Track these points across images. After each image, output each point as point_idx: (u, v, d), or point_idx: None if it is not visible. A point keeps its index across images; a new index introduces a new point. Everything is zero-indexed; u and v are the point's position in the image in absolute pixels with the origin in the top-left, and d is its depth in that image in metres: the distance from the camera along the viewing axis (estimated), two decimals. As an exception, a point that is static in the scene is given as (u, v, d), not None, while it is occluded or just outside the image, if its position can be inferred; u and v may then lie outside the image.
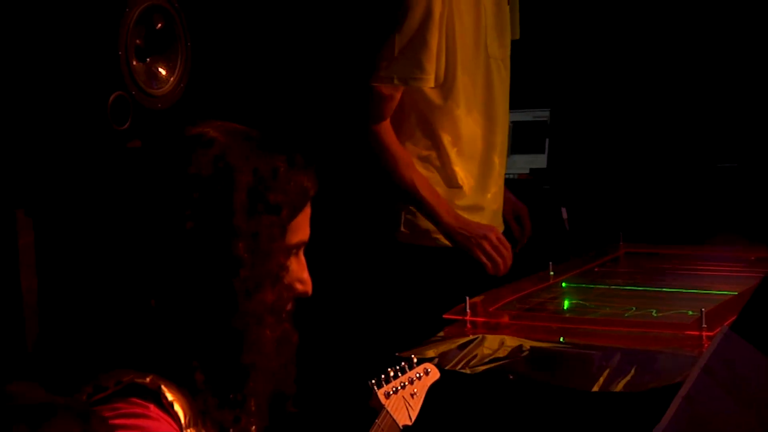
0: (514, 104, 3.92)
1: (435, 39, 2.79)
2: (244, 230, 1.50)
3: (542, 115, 4.18)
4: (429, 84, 2.82)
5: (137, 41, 3.09)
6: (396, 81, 2.80)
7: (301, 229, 1.60)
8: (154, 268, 1.50)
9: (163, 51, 3.18)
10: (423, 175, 2.85)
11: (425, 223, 2.86)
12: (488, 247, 2.77)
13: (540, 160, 4.15)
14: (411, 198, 2.83)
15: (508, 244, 2.80)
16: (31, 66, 3.00)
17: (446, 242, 2.85)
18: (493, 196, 3.01)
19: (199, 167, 1.50)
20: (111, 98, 3.00)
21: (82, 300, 2.96)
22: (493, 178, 3.01)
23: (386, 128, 2.84)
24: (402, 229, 2.89)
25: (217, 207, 1.49)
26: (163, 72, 3.18)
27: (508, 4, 3.01)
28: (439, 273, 2.81)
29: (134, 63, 3.07)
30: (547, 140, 4.16)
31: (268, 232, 1.53)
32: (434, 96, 2.86)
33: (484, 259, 2.78)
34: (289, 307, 1.62)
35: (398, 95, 2.84)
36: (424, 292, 2.73)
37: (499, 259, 2.78)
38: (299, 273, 1.62)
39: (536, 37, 4.13)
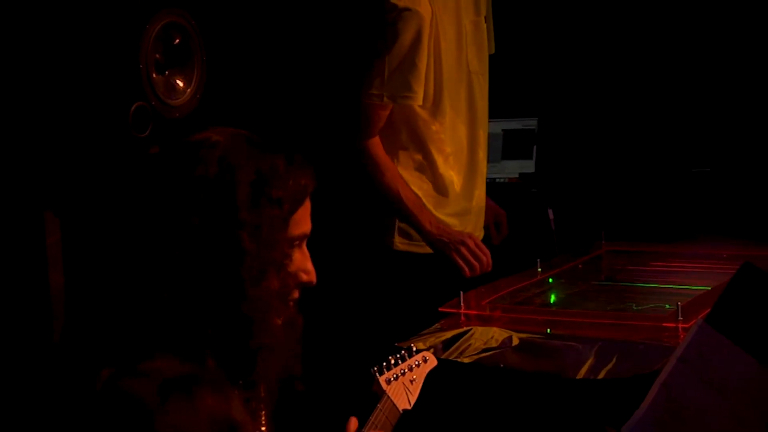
0: (505, 113, 3.94)
1: (423, 60, 2.78)
2: (248, 223, 1.51)
3: (530, 123, 4.18)
4: (417, 102, 2.81)
5: (156, 56, 3.09)
6: (385, 99, 2.79)
7: (302, 223, 1.61)
8: (167, 261, 1.50)
9: (180, 64, 3.18)
10: (408, 187, 2.85)
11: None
12: (465, 252, 2.79)
13: (528, 165, 4.16)
14: (396, 208, 2.84)
15: (486, 249, 2.81)
16: (58, 79, 3.00)
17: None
18: (478, 200, 3.02)
19: (206, 167, 1.52)
20: (132, 108, 3.00)
21: (104, 294, 2.97)
22: (477, 184, 3.02)
23: (375, 142, 2.84)
24: (397, 236, 2.90)
25: (222, 203, 1.51)
26: (180, 84, 3.19)
27: (485, 21, 3.00)
28: (434, 275, 2.81)
29: (154, 76, 3.07)
30: (534, 147, 4.16)
31: (271, 224, 1.53)
32: (423, 112, 2.85)
33: (460, 262, 2.80)
34: (295, 294, 1.62)
35: (387, 112, 2.83)
36: (421, 292, 2.73)
37: (475, 263, 2.79)
38: (303, 264, 1.63)
39: (525, 52, 4.14)
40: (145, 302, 1.52)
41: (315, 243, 1.67)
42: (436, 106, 2.85)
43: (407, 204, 2.82)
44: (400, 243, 2.90)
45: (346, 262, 3.01)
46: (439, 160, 2.89)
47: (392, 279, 2.87)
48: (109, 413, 1.21)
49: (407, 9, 2.73)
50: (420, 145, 2.88)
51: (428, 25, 2.77)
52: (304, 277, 1.62)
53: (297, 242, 1.61)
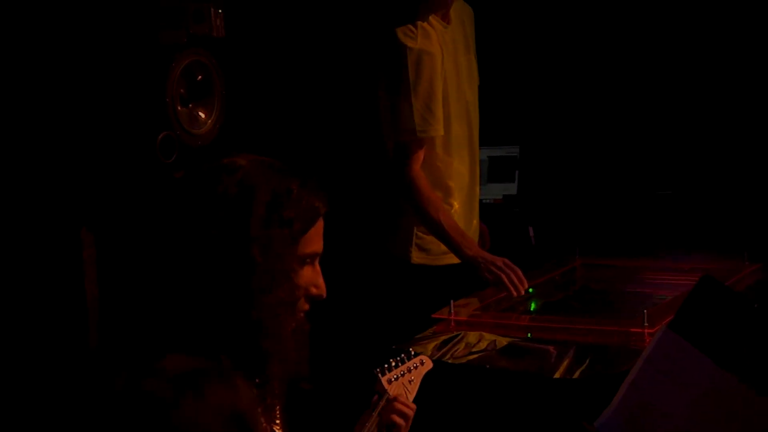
0: (490, 141, 3.95)
1: (440, 95, 2.76)
2: (260, 239, 1.50)
3: (513, 151, 4.20)
4: (440, 132, 2.78)
5: (181, 90, 3.11)
6: (418, 134, 2.74)
7: (313, 242, 1.59)
8: (187, 269, 1.50)
9: (202, 98, 3.20)
10: (449, 215, 2.79)
11: (432, 246, 2.85)
12: (494, 269, 2.68)
13: (511, 188, 4.16)
14: (439, 235, 2.78)
15: (515, 268, 2.70)
16: (94, 111, 3.02)
17: (448, 262, 2.83)
18: (474, 228, 3.00)
19: (226, 187, 1.51)
20: (159, 137, 3.02)
21: (136, 303, 2.97)
22: (475, 203, 3.01)
23: (419, 175, 2.78)
24: (414, 250, 2.86)
25: (239, 219, 1.50)
26: (202, 115, 3.20)
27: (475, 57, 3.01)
28: (447, 285, 2.78)
29: (179, 108, 3.09)
30: (516, 172, 4.17)
31: (281, 242, 1.52)
32: (436, 143, 2.82)
33: (489, 276, 2.70)
34: (304, 306, 1.61)
35: (423, 144, 2.79)
36: (434, 301, 2.67)
37: (501, 274, 2.67)
38: (314, 279, 1.60)
39: (509, 87, 4.16)
40: (169, 308, 1.52)
41: (337, 256, 1.65)
42: (445, 137, 2.82)
43: (449, 232, 2.75)
44: (416, 257, 2.88)
45: (363, 273, 2.99)
46: (447, 182, 2.87)
47: (408, 290, 2.83)
48: (129, 412, 1.20)
49: (425, 51, 2.72)
50: (432, 171, 2.85)
51: (440, 63, 2.77)
52: (314, 291, 1.60)
53: (308, 259, 1.59)
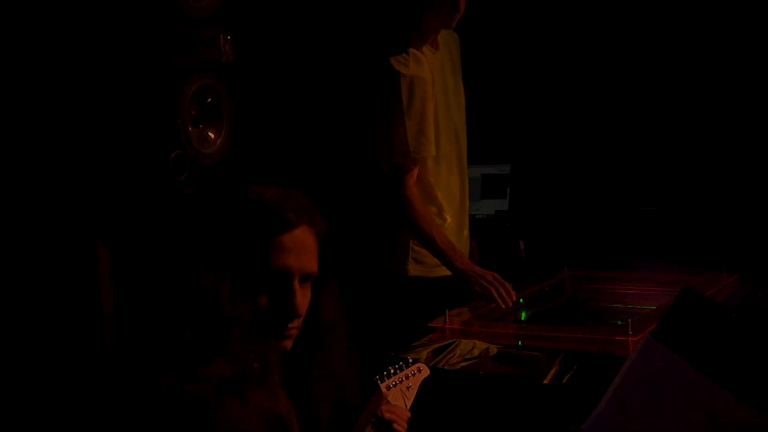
0: (483, 160, 3.97)
1: (432, 117, 2.77)
2: (207, 257, 1.48)
3: (504, 169, 4.21)
4: (433, 153, 2.79)
5: (192, 112, 3.12)
6: (412, 155, 2.76)
7: (285, 256, 1.52)
8: (176, 283, 1.50)
9: (212, 119, 3.20)
10: (441, 230, 2.80)
11: (428, 259, 2.85)
12: (483, 283, 2.68)
13: (503, 204, 4.17)
14: (431, 249, 2.79)
15: (503, 281, 2.71)
16: (110, 132, 3.03)
17: (443, 273, 2.83)
18: (465, 239, 3.01)
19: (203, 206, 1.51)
20: (172, 156, 3.02)
21: (148, 312, 2.97)
22: (465, 216, 3.02)
23: (413, 193, 2.79)
24: (410, 263, 2.87)
25: (201, 237, 1.49)
26: (212, 135, 3.21)
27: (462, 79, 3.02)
28: (443, 296, 2.78)
29: (190, 128, 3.10)
30: (508, 188, 4.18)
31: (253, 251, 1.49)
32: (428, 162, 2.83)
33: (479, 290, 2.70)
34: (283, 324, 1.55)
35: (417, 164, 2.80)
36: (430, 311, 2.65)
37: (490, 288, 2.68)
38: (284, 298, 1.55)
39: (501, 110, 4.18)
40: (165, 316, 1.50)
41: (338, 269, 1.64)
42: (435, 154, 2.84)
43: (441, 246, 2.76)
44: (413, 269, 2.88)
45: (363, 286, 3.00)
46: (440, 199, 2.87)
47: (406, 300, 2.83)
48: (174, 414, 1.19)
49: (417, 76, 2.74)
50: (426, 188, 2.86)
51: (431, 87, 2.79)
52: (286, 312, 1.54)
53: (282, 275, 1.52)
